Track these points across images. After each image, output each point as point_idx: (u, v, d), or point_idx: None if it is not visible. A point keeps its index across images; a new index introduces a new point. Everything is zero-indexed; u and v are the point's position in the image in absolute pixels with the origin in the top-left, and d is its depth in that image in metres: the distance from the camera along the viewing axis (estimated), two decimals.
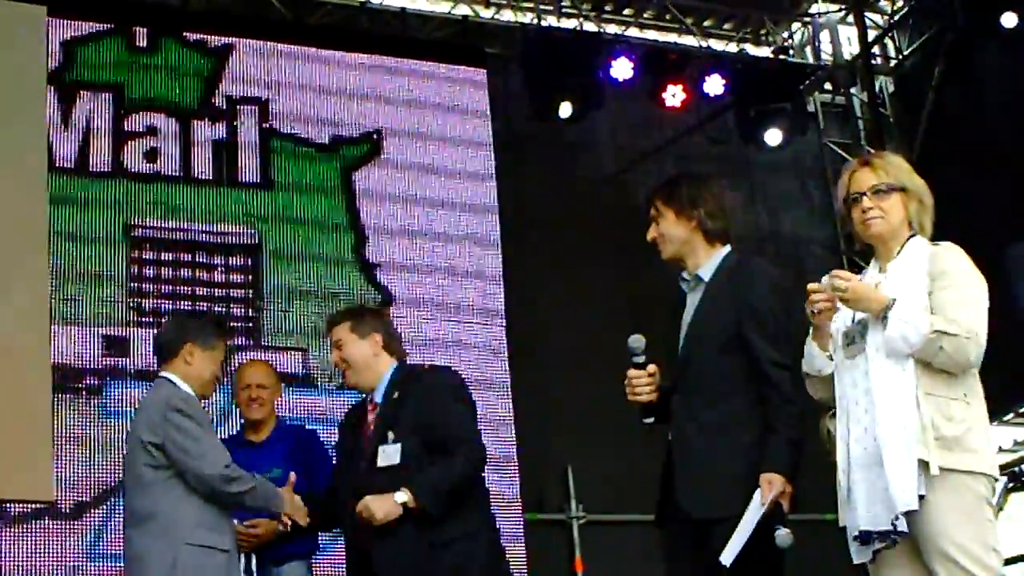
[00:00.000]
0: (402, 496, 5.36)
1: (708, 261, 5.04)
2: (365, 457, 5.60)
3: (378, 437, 5.57)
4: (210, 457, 5.56)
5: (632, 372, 5.06)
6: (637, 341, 5.05)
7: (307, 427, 7.71)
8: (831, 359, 4.48)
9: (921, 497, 4.09)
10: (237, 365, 7.77)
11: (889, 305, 4.23)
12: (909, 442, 4.11)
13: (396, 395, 5.64)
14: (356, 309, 6.24)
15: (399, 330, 9.81)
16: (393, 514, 5.35)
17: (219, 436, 7.88)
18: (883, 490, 4.14)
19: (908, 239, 4.45)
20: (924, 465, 4.10)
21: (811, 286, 4.41)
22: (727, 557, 4.56)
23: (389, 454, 5.49)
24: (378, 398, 5.72)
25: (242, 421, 7.10)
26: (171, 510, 5.52)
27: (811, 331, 4.53)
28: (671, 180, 5.27)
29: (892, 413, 4.18)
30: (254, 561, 6.46)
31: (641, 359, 5.06)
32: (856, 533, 4.23)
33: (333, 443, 6.98)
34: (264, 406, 6.94)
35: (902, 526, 4.09)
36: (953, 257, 4.38)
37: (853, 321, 4.41)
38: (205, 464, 5.53)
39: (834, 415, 4.52)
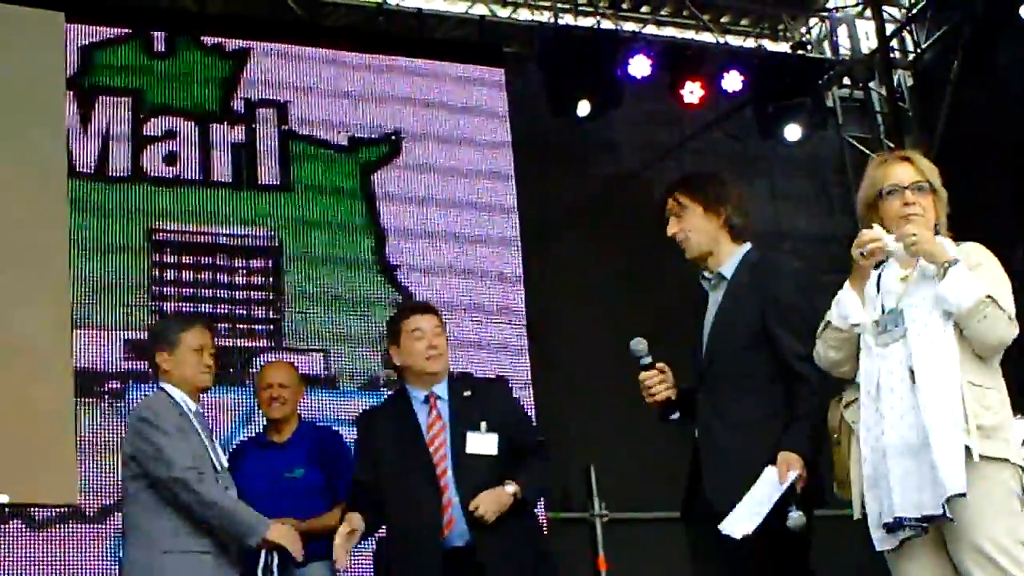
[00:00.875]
0: (511, 487, 5.48)
1: (730, 258, 5.03)
2: (436, 443, 5.64)
3: (465, 424, 5.62)
4: (171, 459, 5.55)
5: (643, 375, 5.07)
6: (638, 344, 5.09)
7: (331, 428, 7.73)
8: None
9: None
10: (260, 367, 7.80)
11: (951, 261, 4.24)
12: (956, 427, 4.10)
13: (468, 393, 5.74)
14: None
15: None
16: (507, 507, 5.47)
17: (242, 436, 7.98)
18: (927, 476, 4.11)
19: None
20: (967, 452, 4.09)
21: (875, 229, 4.41)
22: (731, 528, 4.56)
23: (483, 443, 5.56)
24: (442, 392, 5.76)
25: (264, 423, 7.12)
26: (147, 521, 5.58)
27: (850, 279, 4.49)
28: (691, 176, 5.26)
29: (938, 399, 4.15)
30: (275, 560, 6.47)
31: (647, 360, 5.07)
32: (889, 520, 4.20)
33: (347, 440, 7.05)
34: (285, 405, 6.92)
35: (949, 511, 4.07)
36: (984, 253, 4.41)
37: (884, 311, 4.39)
38: (165, 467, 5.53)
39: (847, 404, 4.50)
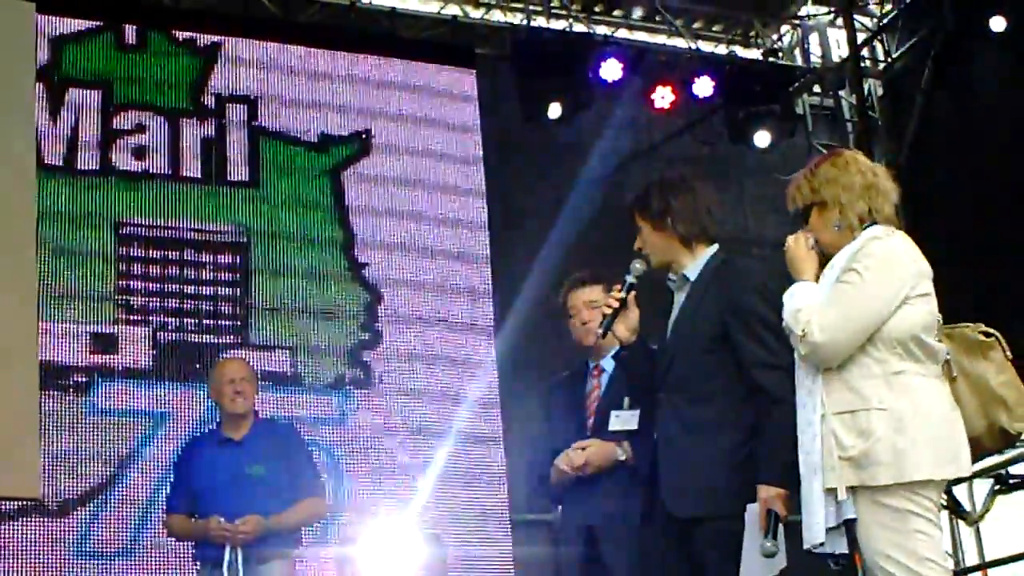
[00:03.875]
0: (622, 453, 5.54)
1: (694, 262, 5.03)
2: (586, 418, 5.73)
3: (612, 401, 5.63)
4: None
5: (615, 294, 5.05)
6: (636, 264, 5.05)
7: (284, 421, 7.69)
8: None
9: (853, 520, 4.09)
10: (213, 363, 7.78)
11: (800, 280, 4.33)
12: (813, 472, 4.14)
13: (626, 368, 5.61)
14: None
15: (386, 329, 9.93)
16: (608, 463, 5.55)
17: (195, 433, 7.97)
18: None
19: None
20: (836, 491, 4.09)
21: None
22: None
23: (624, 419, 5.53)
24: (607, 365, 5.78)
25: (218, 420, 7.06)
26: None
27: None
28: (644, 189, 5.24)
29: (804, 441, 4.20)
30: (240, 558, 6.46)
31: (631, 281, 5.02)
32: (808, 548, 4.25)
33: (312, 438, 7.08)
34: (247, 400, 6.87)
35: (825, 548, 4.13)
36: (863, 250, 4.26)
37: None
38: None
39: None
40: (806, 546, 4.19)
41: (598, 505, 5.60)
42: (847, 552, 4.16)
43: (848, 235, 4.36)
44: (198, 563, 6.82)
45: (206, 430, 7.50)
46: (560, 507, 5.94)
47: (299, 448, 7.03)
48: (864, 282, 4.18)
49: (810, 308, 4.20)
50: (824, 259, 4.44)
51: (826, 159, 4.57)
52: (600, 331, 5.08)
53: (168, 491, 7.20)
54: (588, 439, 5.67)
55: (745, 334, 4.77)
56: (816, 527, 4.11)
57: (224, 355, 8.96)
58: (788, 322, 4.25)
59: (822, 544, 4.11)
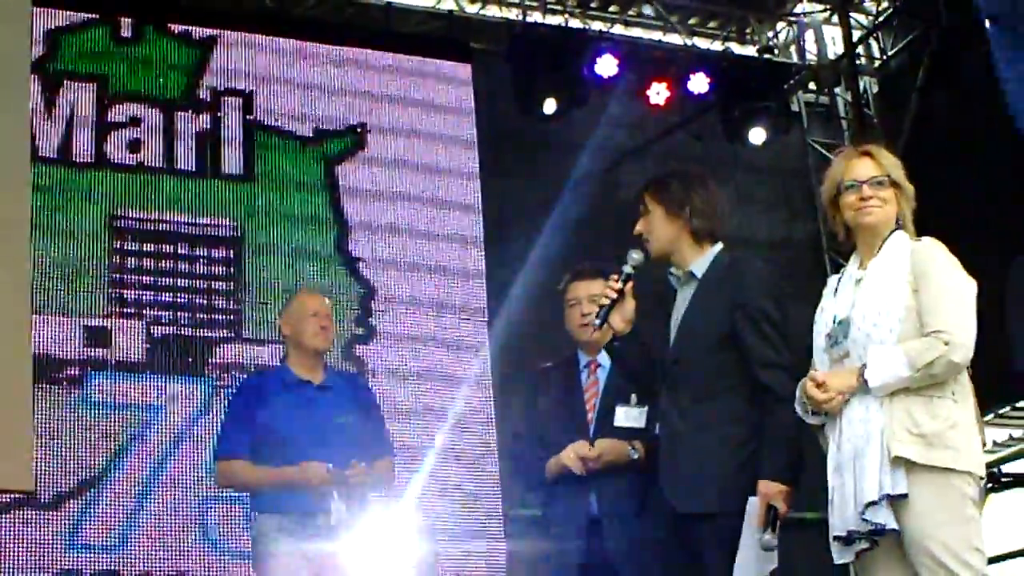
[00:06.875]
0: (636, 452, 5.54)
1: (700, 258, 5.03)
2: (584, 413, 5.74)
3: (616, 396, 5.62)
4: None
5: (612, 283, 5.07)
6: (633, 254, 5.08)
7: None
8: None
9: (904, 496, 4.11)
10: (289, 297, 7.13)
11: (861, 372, 4.25)
12: (883, 438, 4.14)
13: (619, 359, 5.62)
14: None
15: (380, 325, 9.91)
16: (622, 460, 5.55)
17: (260, 374, 7.76)
18: (855, 492, 4.18)
19: (891, 234, 4.45)
20: (903, 462, 4.11)
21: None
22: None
23: (633, 416, 5.53)
24: (604, 360, 5.76)
25: (282, 356, 6.67)
26: None
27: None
28: (663, 176, 5.24)
29: (875, 412, 4.18)
30: (344, 506, 6.11)
31: (627, 271, 5.05)
32: (841, 533, 4.24)
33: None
34: (330, 336, 6.42)
35: (874, 517, 4.12)
36: (933, 255, 4.38)
37: (835, 322, 4.40)
38: None
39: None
40: (857, 515, 4.17)
41: (598, 500, 5.60)
42: (896, 528, 4.14)
43: (889, 226, 4.48)
44: (262, 513, 6.26)
45: (270, 368, 7.21)
46: (549, 503, 5.87)
47: (375, 404, 6.68)
48: (957, 283, 4.33)
49: (935, 331, 4.21)
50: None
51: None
52: (597, 322, 5.09)
53: (223, 433, 6.45)
54: (589, 434, 5.67)
55: (753, 333, 4.80)
56: (871, 489, 4.12)
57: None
58: (924, 361, 4.18)
59: (874, 503, 4.11)
